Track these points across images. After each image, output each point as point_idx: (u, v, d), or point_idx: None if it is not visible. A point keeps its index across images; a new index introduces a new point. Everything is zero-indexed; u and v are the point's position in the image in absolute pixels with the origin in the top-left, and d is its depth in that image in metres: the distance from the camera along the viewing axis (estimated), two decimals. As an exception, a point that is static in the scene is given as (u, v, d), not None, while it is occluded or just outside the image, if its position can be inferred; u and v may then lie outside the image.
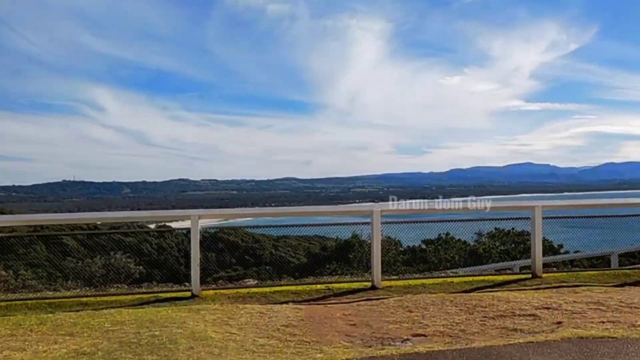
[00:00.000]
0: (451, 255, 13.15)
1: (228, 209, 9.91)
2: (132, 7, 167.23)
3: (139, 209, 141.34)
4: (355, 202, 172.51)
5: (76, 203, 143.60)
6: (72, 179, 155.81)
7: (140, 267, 17.19)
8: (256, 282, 10.16)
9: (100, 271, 16.29)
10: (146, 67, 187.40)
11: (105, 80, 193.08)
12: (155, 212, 8.79)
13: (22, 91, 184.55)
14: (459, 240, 14.03)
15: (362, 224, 9.81)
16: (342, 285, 9.45)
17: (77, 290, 10.16)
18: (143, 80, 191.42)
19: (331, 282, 9.63)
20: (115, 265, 17.14)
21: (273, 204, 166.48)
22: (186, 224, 7.71)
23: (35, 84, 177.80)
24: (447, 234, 14.21)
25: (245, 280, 10.40)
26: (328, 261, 16.94)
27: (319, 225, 10.55)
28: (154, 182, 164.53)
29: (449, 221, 10.69)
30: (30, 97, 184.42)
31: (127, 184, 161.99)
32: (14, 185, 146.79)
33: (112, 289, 9.75)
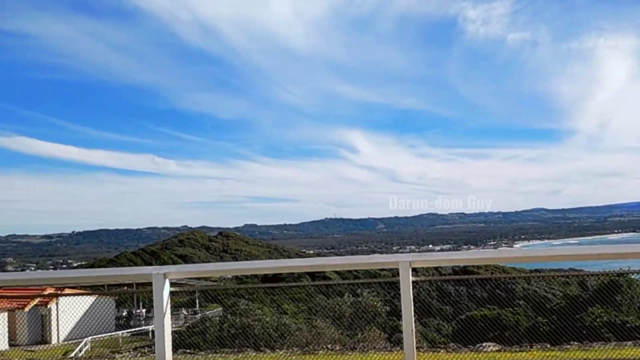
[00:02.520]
0: None
1: (444, 253, 7.49)
2: (379, 55, 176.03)
3: (391, 244, 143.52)
4: (613, 233, 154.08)
5: (337, 239, 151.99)
6: (332, 217, 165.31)
7: (388, 307, 16.60)
8: (499, 347, 8.32)
9: (349, 310, 16.11)
10: (394, 109, 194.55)
11: (358, 123, 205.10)
12: (360, 257, 7.23)
13: (288, 139, 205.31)
14: None
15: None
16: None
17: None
18: (391, 121, 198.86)
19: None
20: (363, 304, 16.86)
21: (522, 236, 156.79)
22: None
23: (298, 132, 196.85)
24: None
25: (483, 345, 8.54)
26: (589, 304, 14.36)
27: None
28: (405, 217, 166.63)
29: None
30: (294, 144, 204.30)
31: (380, 220, 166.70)
32: (285, 224, 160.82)
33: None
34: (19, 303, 24.66)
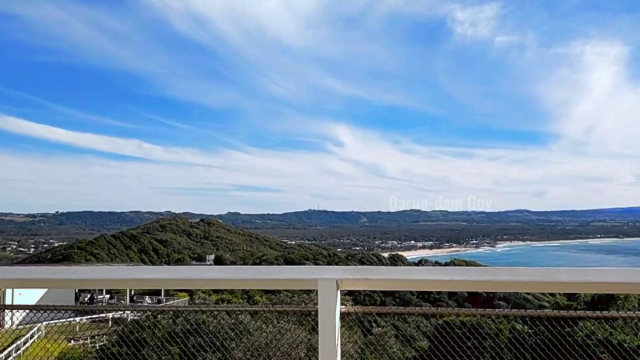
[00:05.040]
0: None
1: (396, 268, 4.07)
2: (367, 51, 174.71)
3: (373, 238, 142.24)
4: (595, 238, 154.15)
5: (319, 230, 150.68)
6: (316, 209, 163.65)
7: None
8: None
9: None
10: (380, 105, 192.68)
11: (344, 118, 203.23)
12: (260, 269, 3.36)
13: (275, 130, 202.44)
14: None
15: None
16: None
17: None
18: (377, 117, 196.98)
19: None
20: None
21: (505, 237, 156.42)
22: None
23: (285, 124, 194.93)
24: None
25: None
26: (580, 317, 12.92)
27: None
28: (388, 212, 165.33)
29: None
30: (281, 135, 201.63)
31: (364, 214, 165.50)
32: (268, 214, 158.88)
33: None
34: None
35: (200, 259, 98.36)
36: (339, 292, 2.88)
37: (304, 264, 78.39)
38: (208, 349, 13.14)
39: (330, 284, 2.84)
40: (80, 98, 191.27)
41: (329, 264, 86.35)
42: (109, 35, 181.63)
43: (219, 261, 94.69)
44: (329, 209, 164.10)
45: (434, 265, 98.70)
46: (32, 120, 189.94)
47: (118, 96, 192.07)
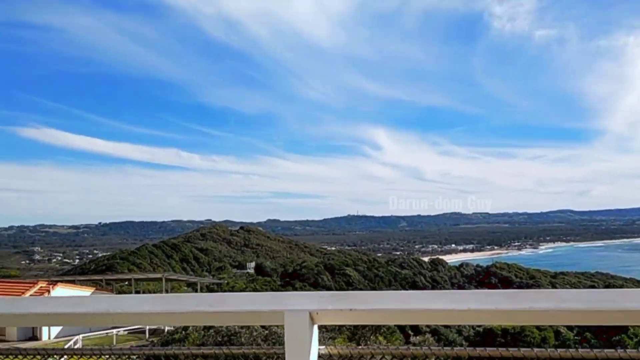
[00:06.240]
0: None
1: (377, 294, 2.81)
2: (402, 51, 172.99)
3: (414, 242, 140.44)
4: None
5: (359, 236, 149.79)
6: (355, 214, 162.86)
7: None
8: None
9: None
10: (417, 106, 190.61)
11: (381, 121, 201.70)
12: (203, 298, 2.93)
13: (312, 135, 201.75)
14: None
15: None
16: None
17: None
18: (414, 118, 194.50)
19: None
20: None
21: (548, 238, 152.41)
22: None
23: (322, 128, 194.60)
24: None
25: None
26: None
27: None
28: (428, 216, 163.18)
29: None
30: (319, 140, 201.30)
31: (403, 218, 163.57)
32: (307, 220, 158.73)
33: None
34: (9, 295, 23.11)
35: (241, 267, 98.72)
36: (315, 327, 2.19)
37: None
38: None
39: (300, 318, 2.10)
40: (116, 108, 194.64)
41: (369, 269, 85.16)
42: (143, 44, 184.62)
43: (259, 268, 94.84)
44: (368, 214, 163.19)
45: (475, 268, 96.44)
46: (71, 132, 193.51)
47: (153, 105, 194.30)
